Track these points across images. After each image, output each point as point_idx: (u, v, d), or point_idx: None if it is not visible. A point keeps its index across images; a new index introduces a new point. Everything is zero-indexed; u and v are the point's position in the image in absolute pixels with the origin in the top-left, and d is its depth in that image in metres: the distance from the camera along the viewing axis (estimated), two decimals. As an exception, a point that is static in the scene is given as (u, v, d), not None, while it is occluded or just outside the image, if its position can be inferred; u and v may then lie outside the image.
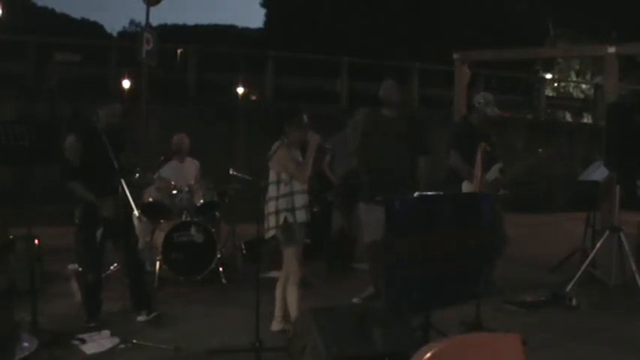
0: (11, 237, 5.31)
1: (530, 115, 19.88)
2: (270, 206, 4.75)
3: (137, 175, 5.53)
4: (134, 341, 4.56)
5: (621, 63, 8.11)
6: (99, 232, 4.91)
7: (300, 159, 4.81)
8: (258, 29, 35.42)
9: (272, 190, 4.77)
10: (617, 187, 6.62)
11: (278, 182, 4.74)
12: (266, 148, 4.88)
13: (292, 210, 4.72)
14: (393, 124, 5.73)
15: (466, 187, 5.87)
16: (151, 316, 5.05)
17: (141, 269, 5.30)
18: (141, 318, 5.06)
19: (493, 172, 5.98)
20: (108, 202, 4.80)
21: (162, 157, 7.19)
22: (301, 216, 4.75)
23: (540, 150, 6.19)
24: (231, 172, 7.03)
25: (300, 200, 4.75)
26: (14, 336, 4.31)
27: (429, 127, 6.20)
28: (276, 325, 4.91)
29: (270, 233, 4.78)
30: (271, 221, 4.75)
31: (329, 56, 17.65)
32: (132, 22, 49.46)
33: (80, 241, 5.29)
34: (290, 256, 4.80)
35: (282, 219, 4.69)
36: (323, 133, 4.97)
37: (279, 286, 4.97)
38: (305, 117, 4.84)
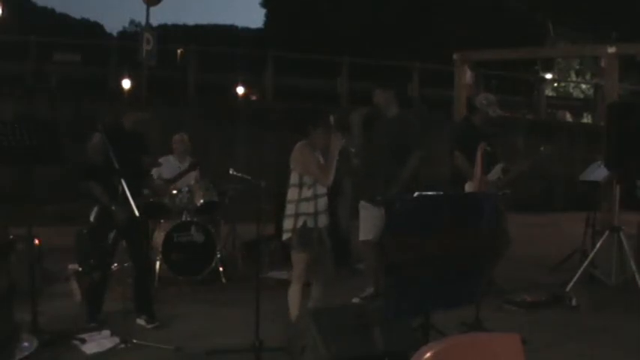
0: (11, 237, 5.31)
1: (530, 115, 19.87)
2: (290, 209, 4.61)
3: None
4: (134, 341, 4.56)
5: (621, 63, 8.12)
6: (112, 235, 4.91)
7: (322, 161, 4.66)
8: (258, 29, 35.43)
9: (292, 193, 4.61)
10: (617, 187, 6.62)
11: (300, 185, 4.59)
12: (267, 147, 4.86)
13: (315, 214, 4.58)
14: (386, 125, 5.75)
15: (469, 187, 5.88)
16: (151, 325, 5.05)
17: (149, 272, 5.32)
18: (140, 322, 5.06)
19: (495, 172, 5.99)
20: (123, 206, 4.75)
21: (159, 159, 7.17)
22: (322, 220, 4.65)
23: (542, 148, 6.19)
24: (231, 172, 7.03)
25: (323, 204, 4.64)
26: (14, 336, 4.31)
27: (423, 125, 6.23)
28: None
29: (286, 236, 4.65)
30: (288, 224, 4.61)
31: (329, 56, 17.64)
32: (132, 22, 49.47)
33: (92, 240, 5.30)
34: (299, 260, 4.66)
35: (300, 222, 4.56)
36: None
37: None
38: (332, 119, 4.74)
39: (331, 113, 4.81)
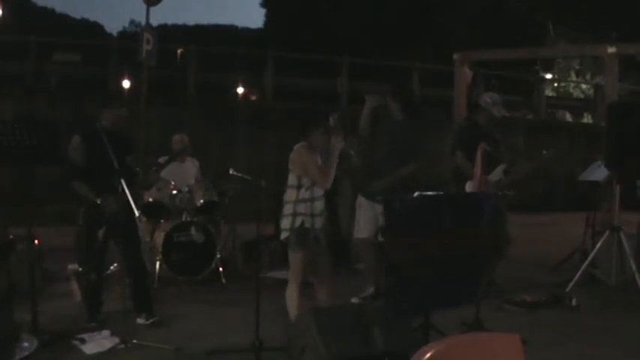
0: (11, 237, 5.31)
1: (530, 115, 19.87)
2: (287, 209, 4.62)
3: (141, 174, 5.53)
4: (134, 341, 4.56)
5: (621, 63, 8.10)
6: (101, 232, 4.91)
7: (320, 162, 4.65)
8: (258, 29, 35.44)
9: (290, 194, 4.61)
10: (617, 187, 6.62)
11: (298, 187, 4.59)
12: (266, 147, 4.85)
13: (312, 216, 4.60)
14: (392, 126, 5.77)
15: (470, 187, 5.88)
16: (150, 321, 5.05)
17: (143, 270, 5.31)
18: (140, 320, 5.06)
19: (497, 173, 5.98)
20: (109, 199, 4.80)
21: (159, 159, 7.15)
22: (319, 222, 4.66)
23: (545, 151, 6.17)
24: (231, 172, 7.03)
25: (319, 207, 4.64)
26: (14, 336, 4.31)
27: (424, 127, 6.23)
28: None
29: (284, 235, 4.67)
30: (286, 223, 4.62)
31: (329, 56, 17.64)
32: (132, 22, 49.49)
33: (83, 240, 5.30)
34: (296, 259, 4.65)
35: (298, 222, 4.56)
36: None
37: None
38: (332, 120, 4.72)
39: (331, 114, 4.80)
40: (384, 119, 5.85)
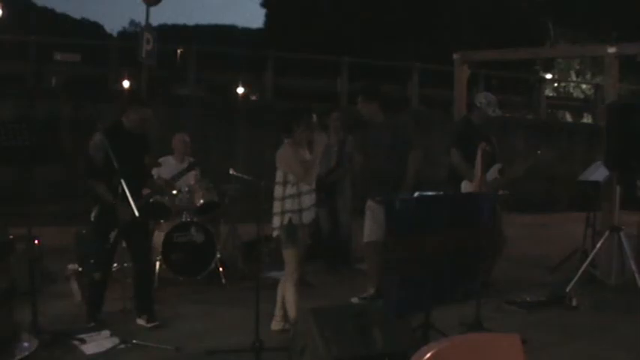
0: (11, 237, 5.30)
1: (530, 115, 19.87)
2: (276, 206, 4.71)
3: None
4: (134, 341, 4.56)
5: (621, 63, 8.09)
6: (113, 234, 4.91)
7: (308, 158, 4.75)
8: (259, 29, 35.43)
9: (278, 191, 4.72)
10: (617, 187, 6.62)
11: (285, 183, 4.69)
12: (266, 147, 4.89)
13: (299, 211, 4.68)
14: (377, 128, 5.77)
15: (465, 186, 5.88)
16: (150, 325, 5.04)
17: (150, 272, 5.31)
18: (140, 322, 5.06)
19: (492, 173, 5.99)
20: (125, 209, 4.75)
21: (159, 159, 7.16)
22: (307, 216, 4.73)
23: (539, 151, 6.18)
24: (231, 172, 7.03)
25: (307, 201, 4.72)
26: (14, 336, 4.31)
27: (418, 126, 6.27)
28: (275, 325, 4.91)
29: (275, 233, 4.76)
30: (276, 221, 4.72)
31: (329, 56, 17.63)
32: (132, 22, 49.50)
33: (93, 238, 5.30)
34: (290, 257, 4.75)
35: (286, 219, 4.65)
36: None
37: (280, 286, 4.96)
38: (314, 117, 4.83)
39: (314, 112, 4.89)
40: (365, 129, 5.87)
